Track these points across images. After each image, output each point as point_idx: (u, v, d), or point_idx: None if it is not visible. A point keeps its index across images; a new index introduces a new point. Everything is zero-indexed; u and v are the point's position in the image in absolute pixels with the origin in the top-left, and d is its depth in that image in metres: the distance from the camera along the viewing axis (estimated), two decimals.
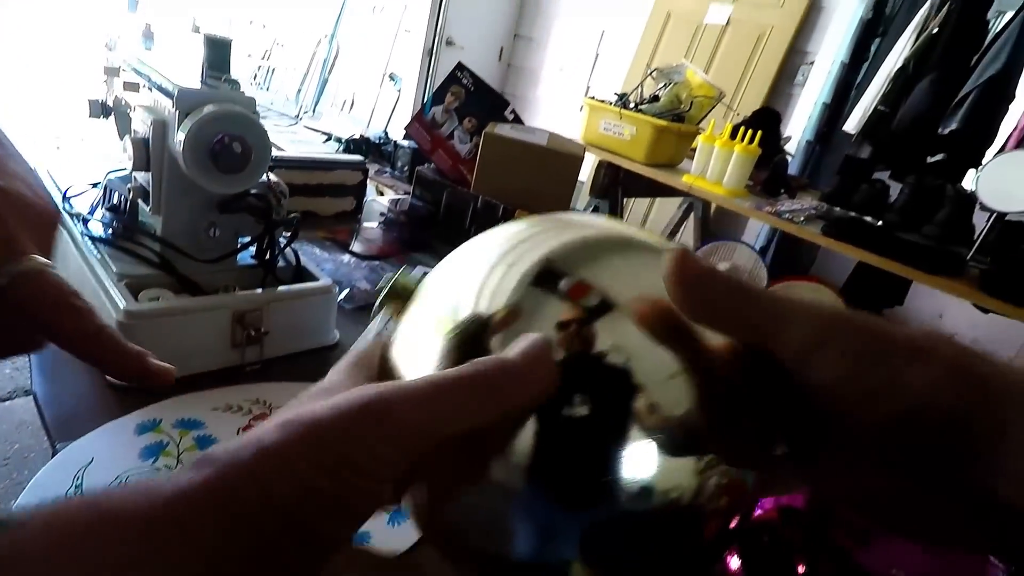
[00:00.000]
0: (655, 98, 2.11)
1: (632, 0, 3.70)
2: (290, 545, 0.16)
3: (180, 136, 0.63)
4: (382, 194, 3.43)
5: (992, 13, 2.75)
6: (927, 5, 2.68)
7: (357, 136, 3.85)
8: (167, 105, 0.65)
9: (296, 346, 0.78)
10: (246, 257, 0.77)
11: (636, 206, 3.60)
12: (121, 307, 0.62)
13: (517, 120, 1.26)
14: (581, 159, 1.14)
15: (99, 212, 0.76)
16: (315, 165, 1.23)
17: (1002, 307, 1.36)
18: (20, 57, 4.73)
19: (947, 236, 1.79)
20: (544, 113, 4.39)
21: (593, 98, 2.13)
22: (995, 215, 1.64)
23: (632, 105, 2.08)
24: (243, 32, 7.94)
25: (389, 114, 5.63)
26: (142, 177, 0.70)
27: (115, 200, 0.77)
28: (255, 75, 7.32)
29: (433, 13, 4.11)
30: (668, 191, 2.21)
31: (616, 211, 2.16)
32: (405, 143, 2.21)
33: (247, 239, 0.75)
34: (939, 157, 2.60)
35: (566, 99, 4.06)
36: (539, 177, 1.15)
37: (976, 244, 1.66)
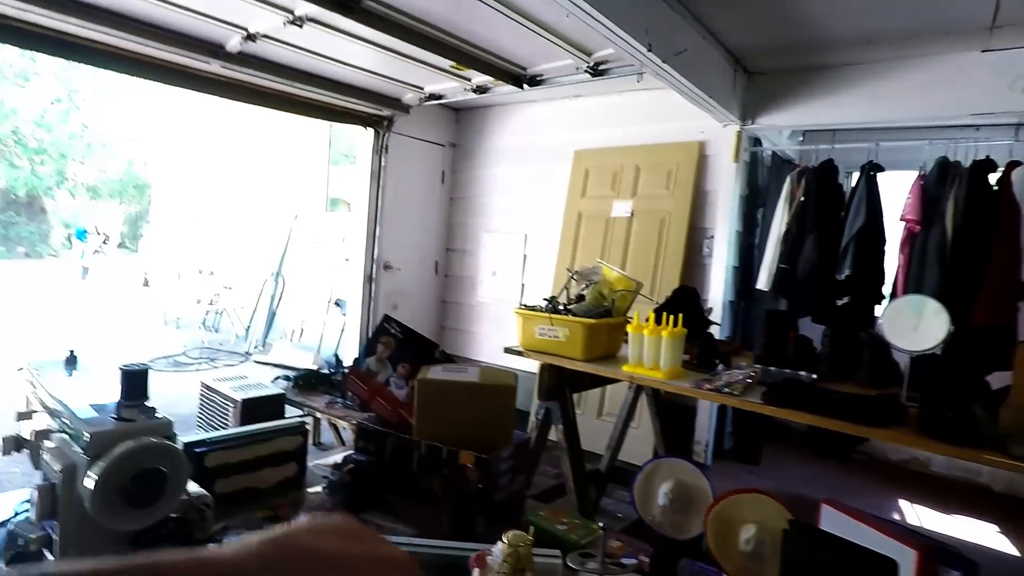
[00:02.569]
0: (581, 297, 2.28)
1: (548, 205, 4.18)
2: None
3: (90, 479, 0.62)
4: (336, 430, 3.35)
5: (843, 176, 3.25)
6: (788, 179, 3.15)
7: (306, 370, 3.89)
8: (79, 449, 0.65)
9: None
10: None
11: (591, 392, 3.65)
12: None
13: (447, 359, 1.31)
14: (513, 388, 1.18)
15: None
16: (251, 439, 1.21)
17: (946, 450, 1.39)
18: None
19: (876, 379, 1.88)
20: (488, 314, 4.60)
21: (523, 306, 2.27)
22: (911, 354, 1.75)
23: (562, 307, 2.23)
24: (192, 281, 8.31)
25: (338, 338, 5.77)
26: (48, 525, 0.67)
27: (20, 547, 0.72)
28: (204, 320, 7.49)
29: (369, 243, 4.46)
30: (613, 381, 2.27)
31: (567, 408, 2.18)
32: None
33: None
34: (846, 300, 2.85)
35: (505, 298, 4.32)
36: (476, 412, 1.17)
37: (906, 385, 1.74)
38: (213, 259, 8.21)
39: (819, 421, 1.60)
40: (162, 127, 10.17)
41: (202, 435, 1.18)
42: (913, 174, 2.85)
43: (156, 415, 0.69)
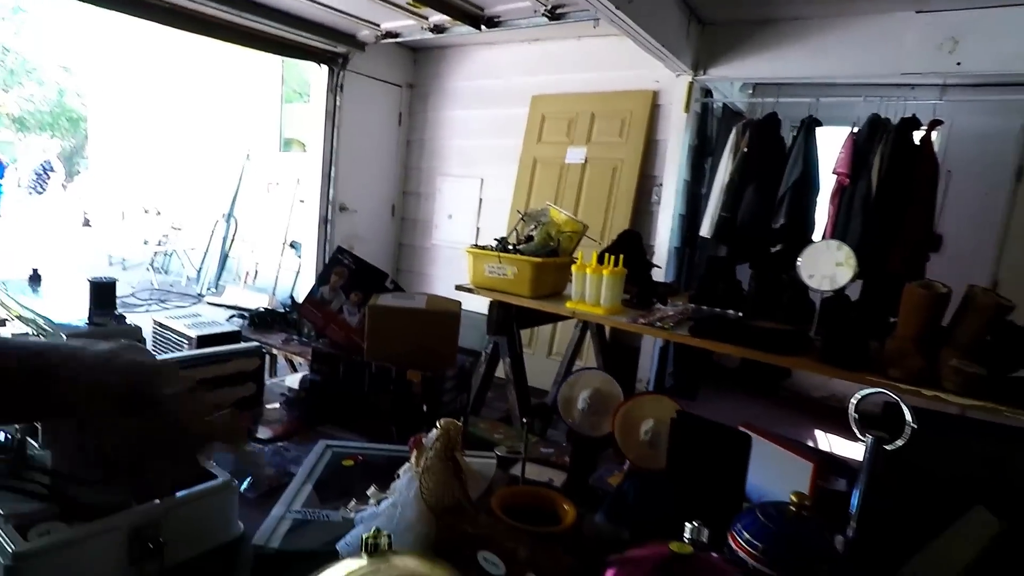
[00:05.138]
0: (530, 238, 2.38)
1: (504, 151, 4.21)
2: None
3: None
4: (292, 364, 3.43)
5: (786, 129, 3.40)
6: (734, 131, 3.28)
7: (261, 309, 3.91)
8: None
9: (199, 548, 0.80)
10: None
11: (542, 331, 3.82)
12: (10, 551, 0.64)
13: (397, 288, 1.41)
14: (457, 314, 1.29)
15: None
16: (210, 360, 1.29)
17: (838, 373, 1.60)
18: None
19: (793, 316, 2.08)
20: (443, 257, 4.67)
21: (475, 246, 2.37)
22: (822, 294, 1.95)
23: (511, 247, 2.33)
24: (137, 221, 8.01)
25: (294, 280, 5.75)
26: None
27: (1, 438, 0.80)
28: (152, 261, 7.30)
29: (324, 184, 4.42)
30: (559, 317, 2.42)
31: (514, 343, 2.32)
32: None
33: None
34: (779, 247, 3.06)
35: (460, 241, 4.39)
36: (422, 337, 1.28)
37: (816, 321, 1.94)
38: (159, 198, 7.91)
39: (737, 351, 1.79)
40: (98, 56, 9.45)
41: (163, 356, 1.25)
42: (847, 129, 3.01)
43: (126, 322, 0.77)
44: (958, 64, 2.74)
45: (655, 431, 0.90)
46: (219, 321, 3.06)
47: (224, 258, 6.79)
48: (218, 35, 3.64)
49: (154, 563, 0.76)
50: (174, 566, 0.77)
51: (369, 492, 0.78)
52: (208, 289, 6.64)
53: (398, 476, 0.78)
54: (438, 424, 0.75)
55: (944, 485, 0.69)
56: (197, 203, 7.29)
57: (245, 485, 0.96)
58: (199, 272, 6.94)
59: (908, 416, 0.50)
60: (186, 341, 2.86)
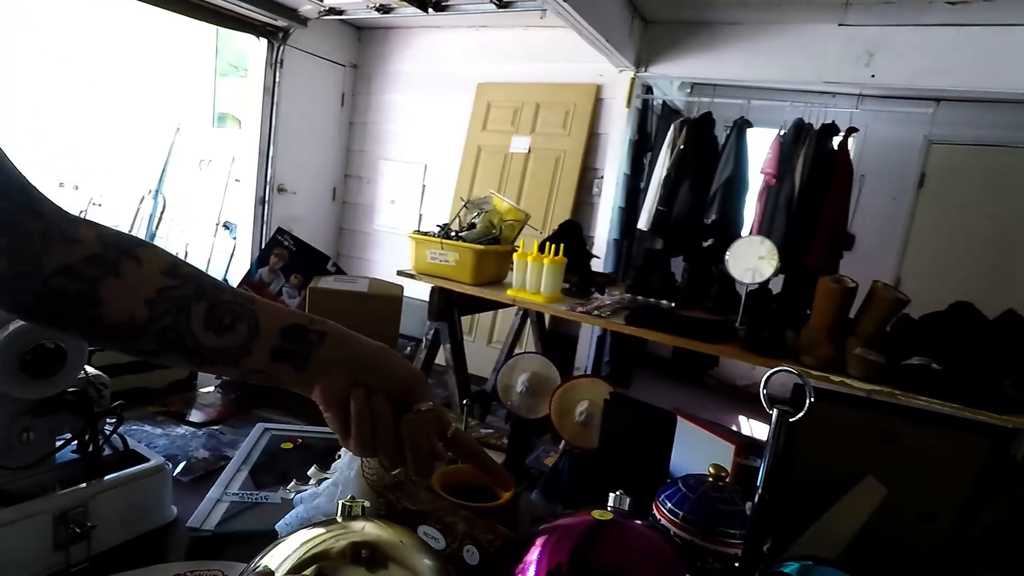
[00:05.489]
0: (472, 225, 2.40)
1: (448, 137, 4.19)
2: None
3: None
4: None
5: (720, 129, 3.56)
6: (672, 127, 3.41)
7: None
8: None
9: (130, 532, 0.79)
10: (68, 453, 0.79)
11: (483, 319, 3.86)
12: None
13: (339, 271, 1.40)
14: (400, 299, 1.30)
15: None
16: None
17: (758, 360, 1.72)
18: None
19: (720, 307, 2.20)
20: (385, 243, 4.61)
21: (417, 232, 2.36)
22: (747, 286, 2.07)
23: (453, 234, 2.34)
24: (52, 195, 7.41)
25: (227, 262, 5.51)
26: None
27: None
28: None
29: (261, 163, 4.26)
30: (499, 305, 2.45)
31: (455, 329, 2.35)
32: None
33: (67, 436, 0.77)
34: (710, 242, 3.21)
35: (403, 227, 4.35)
36: (364, 320, 1.28)
37: (741, 312, 2.07)
38: (77, 171, 7.35)
39: (668, 339, 1.88)
40: (3, 10, 8.61)
41: None
42: (775, 132, 3.19)
43: None
44: (872, 76, 2.96)
45: (589, 412, 0.95)
46: None
47: (151, 238, 6.41)
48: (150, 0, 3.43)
49: (81, 548, 0.74)
50: (104, 551, 0.75)
51: (310, 472, 0.79)
52: None
53: (339, 455, 0.79)
54: None
55: (840, 456, 0.78)
56: (121, 178, 6.83)
57: (178, 469, 0.94)
58: None
59: (808, 392, 0.57)
60: None
